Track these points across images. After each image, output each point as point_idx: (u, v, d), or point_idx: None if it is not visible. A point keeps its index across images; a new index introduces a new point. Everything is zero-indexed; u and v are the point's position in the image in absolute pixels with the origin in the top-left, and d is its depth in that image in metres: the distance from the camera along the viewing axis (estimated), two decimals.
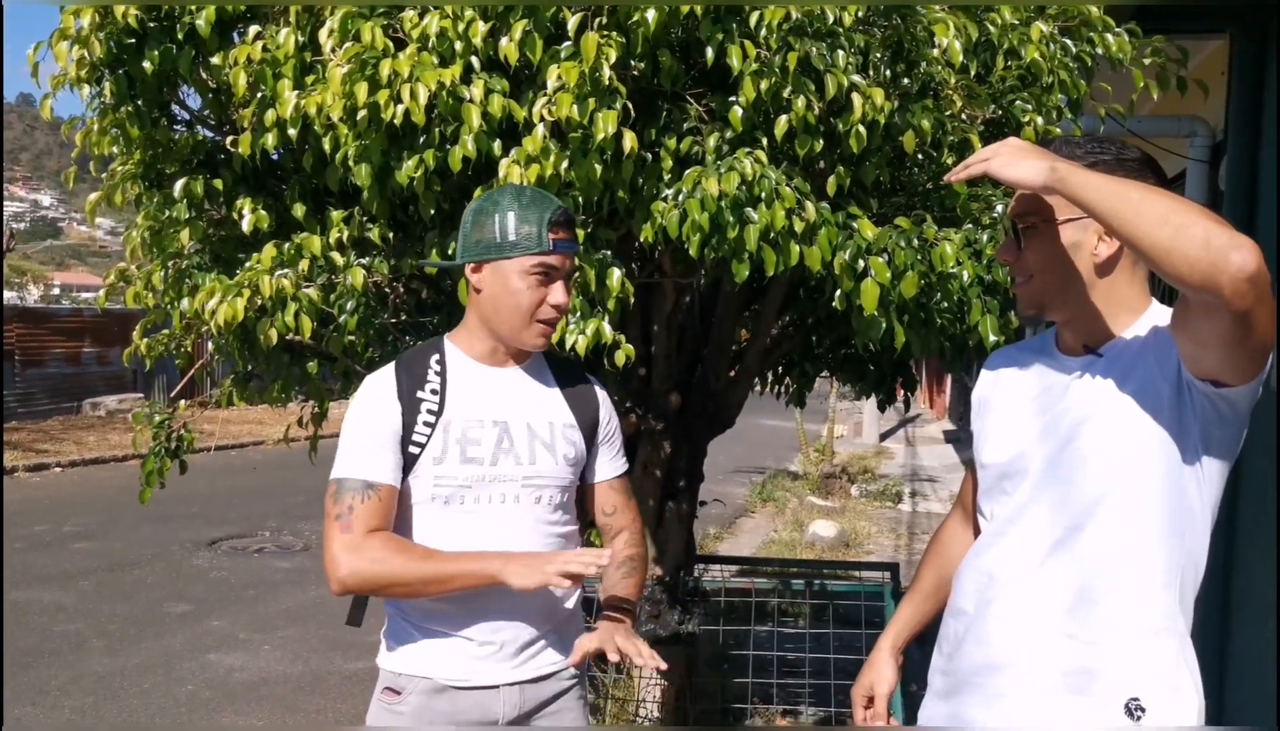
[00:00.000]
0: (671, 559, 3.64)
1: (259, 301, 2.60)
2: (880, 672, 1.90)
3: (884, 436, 18.43)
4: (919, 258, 2.42)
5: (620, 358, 2.47)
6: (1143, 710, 1.50)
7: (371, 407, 1.88)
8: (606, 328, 2.41)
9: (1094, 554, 1.55)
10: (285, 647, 5.58)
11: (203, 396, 4.37)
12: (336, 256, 2.70)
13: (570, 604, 1.99)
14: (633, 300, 2.59)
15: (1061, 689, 1.55)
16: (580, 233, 2.42)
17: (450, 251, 2.55)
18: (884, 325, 2.47)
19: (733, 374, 3.78)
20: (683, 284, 3.35)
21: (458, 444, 1.87)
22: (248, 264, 2.71)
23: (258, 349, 2.93)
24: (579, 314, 2.41)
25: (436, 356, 1.93)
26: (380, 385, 1.90)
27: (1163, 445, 1.51)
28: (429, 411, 1.87)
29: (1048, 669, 1.57)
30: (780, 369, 4.31)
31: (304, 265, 2.67)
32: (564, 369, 2.04)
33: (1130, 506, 1.53)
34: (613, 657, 1.80)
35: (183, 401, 3.41)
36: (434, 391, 1.89)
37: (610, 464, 2.04)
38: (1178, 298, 1.44)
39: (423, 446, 1.86)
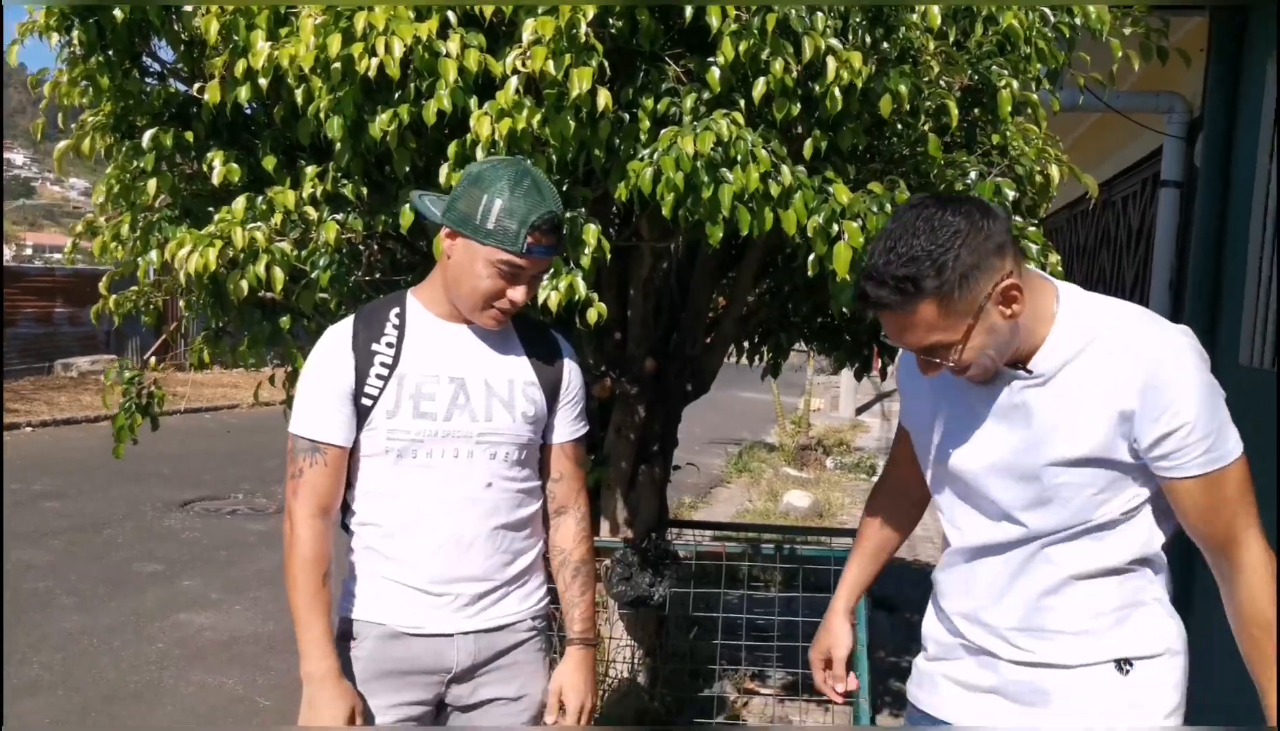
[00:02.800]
0: (643, 522, 3.65)
1: (230, 253, 2.58)
2: (836, 635, 1.95)
3: (860, 410, 18.53)
4: None
5: (592, 315, 2.46)
6: (1130, 665, 1.58)
7: (324, 360, 1.90)
8: (580, 283, 2.41)
9: (1062, 560, 1.59)
10: (256, 608, 5.58)
11: (176, 358, 4.33)
12: (310, 211, 2.67)
13: (529, 558, 2.02)
14: (608, 258, 2.58)
15: (1049, 659, 1.62)
16: None
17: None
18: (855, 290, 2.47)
19: (709, 340, 3.79)
20: (660, 248, 3.35)
21: (411, 398, 1.88)
22: (218, 216, 2.68)
23: (228, 303, 2.91)
24: (552, 270, 2.40)
25: (397, 310, 1.93)
26: (335, 337, 1.92)
27: (1114, 463, 1.53)
28: (382, 364, 1.87)
29: (1034, 657, 1.63)
30: (756, 338, 4.33)
31: (277, 219, 2.64)
32: (530, 327, 2.03)
33: (1092, 517, 1.56)
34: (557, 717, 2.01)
35: (153, 359, 3.38)
36: (390, 345, 1.89)
37: (567, 426, 2.04)
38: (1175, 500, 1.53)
39: (375, 399, 1.87)
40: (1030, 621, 1.63)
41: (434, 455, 1.88)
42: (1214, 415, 1.48)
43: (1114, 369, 1.50)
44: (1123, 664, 1.58)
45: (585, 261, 2.49)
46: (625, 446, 3.61)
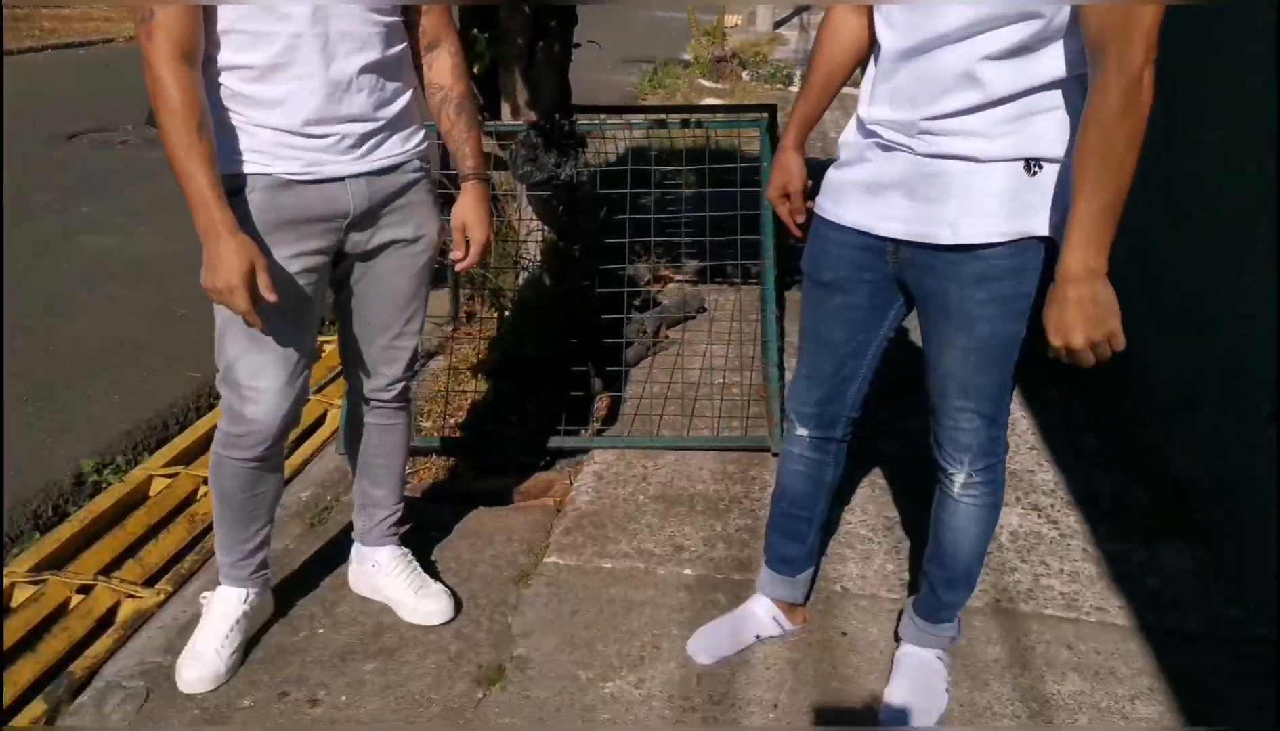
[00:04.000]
0: (546, 101, 3.54)
1: None
2: (791, 171, 2.00)
3: (778, 24, 17.90)
4: None
5: None
6: (1040, 166, 1.60)
7: None
8: None
9: (991, 80, 1.56)
10: (163, 230, 5.46)
11: None
12: None
13: (405, 99, 1.95)
14: None
15: (960, 155, 1.63)
16: None
17: None
18: None
19: None
20: None
21: None
22: None
23: None
24: None
25: None
26: None
27: None
28: None
29: (944, 149, 1.63)
30: None
31: None
32: None
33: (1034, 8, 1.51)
34: (461, 259, 2.08)
35: None
36: None
37: None
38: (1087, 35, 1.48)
39: None
40: (946, 125, 1.62)
41: None
42: None
43: None
44: (1032, 163, 1.59)
45: None
46: (520, 20, 3.41)
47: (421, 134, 2.01)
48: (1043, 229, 1.61)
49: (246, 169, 1.82)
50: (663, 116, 3.47)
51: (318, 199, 1.87)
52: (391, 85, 1.91)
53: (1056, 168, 1.60)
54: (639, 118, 3.51)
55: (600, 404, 3.45)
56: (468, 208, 2.06)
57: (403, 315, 2.10)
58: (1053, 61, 1.55)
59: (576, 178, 3.45)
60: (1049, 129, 1.59)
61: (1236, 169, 2.79)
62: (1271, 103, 2.57)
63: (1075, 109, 1.58)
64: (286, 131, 1.82)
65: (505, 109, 3.56)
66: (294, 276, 1.89)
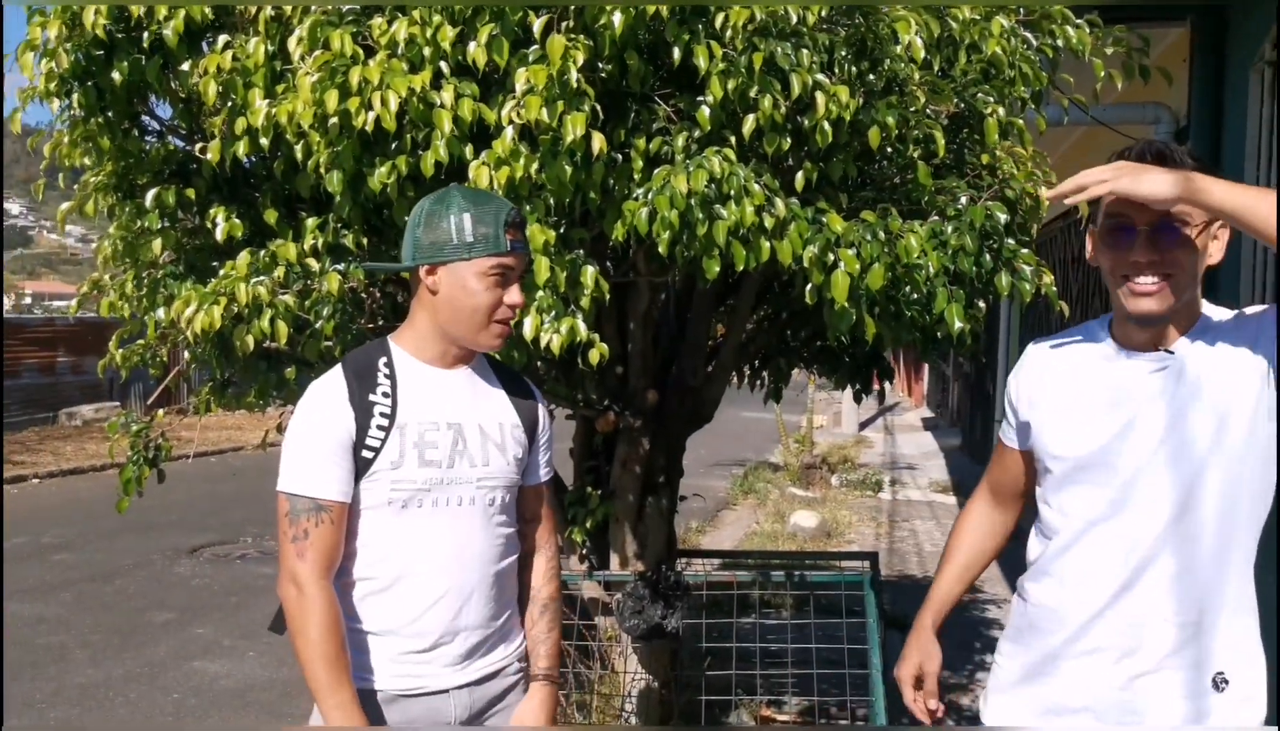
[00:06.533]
0: (653, 554, 3.67)
1: (235, 309, 2.62)
2: (927, 650, 1.95)
3: (863, 426, 18.55)
4: (885, 250, 2.46)
5: (594, 356, 2.49)
6: (1226, 682, 1.61)
7: (322, 415, 1.83)
8: (581, 325, 2.44)
9: (1193, 546, 1.61)
10: (270, 653, 5.58)
11: (180, 404, 4.36)
12: (312, 262, 2.71)
13: (513, 603, 2.03)
14: (608, 298, 2.61)
15: (1150, 667, 1.63)
16: (551, 234, 2.45)
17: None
18: (854, 317, 2.50)
19: (709, 369, 3.81)
20: (657, 282, 3.38)
21: (415, 447, 1.85)
22: (223, 272, 2.72)
23: (234, 356, 2.94)
24: (554, 313, 2.44)
25: (384, 359, 1.90)
26: (330, 391, 1.85)
27: (1251, 435, 1.59)
28: (382, 415, 1.84)
29: (1145, 652, 1.63)
30: (757, 363, 4.35)
31: (279, 272, 2.68)
32: (505, 372, 2.06)
33: (1227, 497, 1.60)
34: None
35: (160, 411, 3.42)
36: (385, 394, 1.86)
37: (543, 468, 2.07)
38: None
39: (377, 451, 1.83)
40: (1149, 606, 1.62)
41: (439, 503, 1.87)
42: None
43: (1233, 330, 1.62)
44: (1220, 680, 1.61)
45: (585, 302, 2.52)
46: (631, 479, 3.63)
47: (521, 633, 2.05)
48: None
49: (357, 685, 1.82)
50: (764, 563, 3.56)
51: (422, 712, 1.88)
52: (506, 593, 1.98)
53: (1240, 687, 1.62)
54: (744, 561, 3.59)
55: None
56: (530, 711, 2.01)
57: None
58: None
59: (681, 629, 3.48)
60: (1238, 634, 1.63)
61: None
62: None
63: (1255, 612, 1.65)
64: (399, 643, 1.86)
65: (614, 559, 3.68)
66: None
